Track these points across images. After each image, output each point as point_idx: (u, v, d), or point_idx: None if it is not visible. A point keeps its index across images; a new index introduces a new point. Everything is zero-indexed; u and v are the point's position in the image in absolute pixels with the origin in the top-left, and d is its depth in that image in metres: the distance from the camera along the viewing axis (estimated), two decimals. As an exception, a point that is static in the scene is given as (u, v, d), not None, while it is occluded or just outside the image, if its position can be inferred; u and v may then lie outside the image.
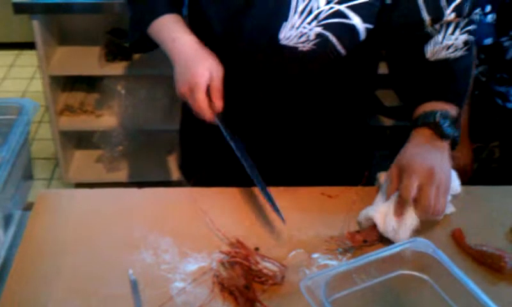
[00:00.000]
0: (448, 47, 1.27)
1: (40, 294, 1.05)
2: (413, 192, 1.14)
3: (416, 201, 1.15)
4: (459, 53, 1.28)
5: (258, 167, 1.23)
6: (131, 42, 1.40)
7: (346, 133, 1.47)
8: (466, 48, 1.29)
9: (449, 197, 1.26)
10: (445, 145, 1.21)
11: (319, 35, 1.22)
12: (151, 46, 1.36)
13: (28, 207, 1.26)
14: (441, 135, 1.20)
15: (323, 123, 1.42)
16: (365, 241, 1.17)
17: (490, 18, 1.58)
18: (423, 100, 1.25)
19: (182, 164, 1.64)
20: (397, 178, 1.19)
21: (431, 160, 1.17)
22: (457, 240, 1.19)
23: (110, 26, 2.85)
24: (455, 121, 1.22)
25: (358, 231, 1.19)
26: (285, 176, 1.35)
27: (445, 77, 1.28)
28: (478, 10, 1.29)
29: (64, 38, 2.93)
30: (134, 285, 1.06)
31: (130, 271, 1.09)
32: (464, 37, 1.28)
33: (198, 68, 1.20)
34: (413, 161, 1.17)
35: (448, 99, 1.24)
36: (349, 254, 1.15)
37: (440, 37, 1.27)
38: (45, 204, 1.26)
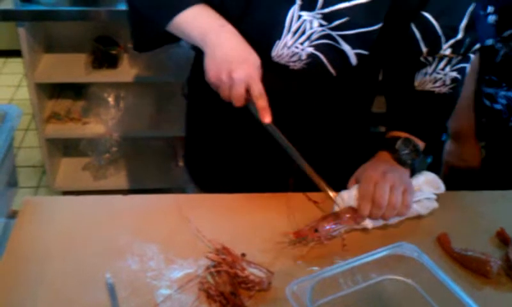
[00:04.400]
0: (436, 81, 1.30)
1: (24, 302, 1.03)
2: (370, 191, 1.19)
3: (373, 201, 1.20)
4: (443, 89, 1.30)
5: (258, 173, 1.27)
6: (138, 41, 1.35)
7: (347, 142, 1.47)
8: (452, 86, 1.30)
9: (433, 196, 1.27)
10: (403, 169, 1.28)
11: (310, 55, 1.22)
12: (158, 43, 1.34)
13: (13, 215, 1.25)
14: (398, 160, 1.28)
15: (322, 133, 1.41)
16: (315, 230, 1.18)
17: (491, 19, 1.58)
18: (396, 127, 1.33)
19: (188, 162, 1.62)
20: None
21: (384, 168, 1.24)
22: (443, 244, 1.20)
23: (96, 34, 2.84)
24: (416, 151, 1.29)
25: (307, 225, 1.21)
26: (281, 183, 1.34)
27: (423, 111, 1.33)
28: (477, 46, 1.30)
29: (51, 45, 2.92)
30: (111, 289, 1.05)
31: (108, 275, 1.08)
32: (453, 74, 1.29)
33: (249, 61, 1.16)
34: (367, 170, 1.26)
35: (418, 134, 1.31)
36: (337, 261, 1.15)
37: (430, 69, 1.29)
38: (30, 211, 1.25)
